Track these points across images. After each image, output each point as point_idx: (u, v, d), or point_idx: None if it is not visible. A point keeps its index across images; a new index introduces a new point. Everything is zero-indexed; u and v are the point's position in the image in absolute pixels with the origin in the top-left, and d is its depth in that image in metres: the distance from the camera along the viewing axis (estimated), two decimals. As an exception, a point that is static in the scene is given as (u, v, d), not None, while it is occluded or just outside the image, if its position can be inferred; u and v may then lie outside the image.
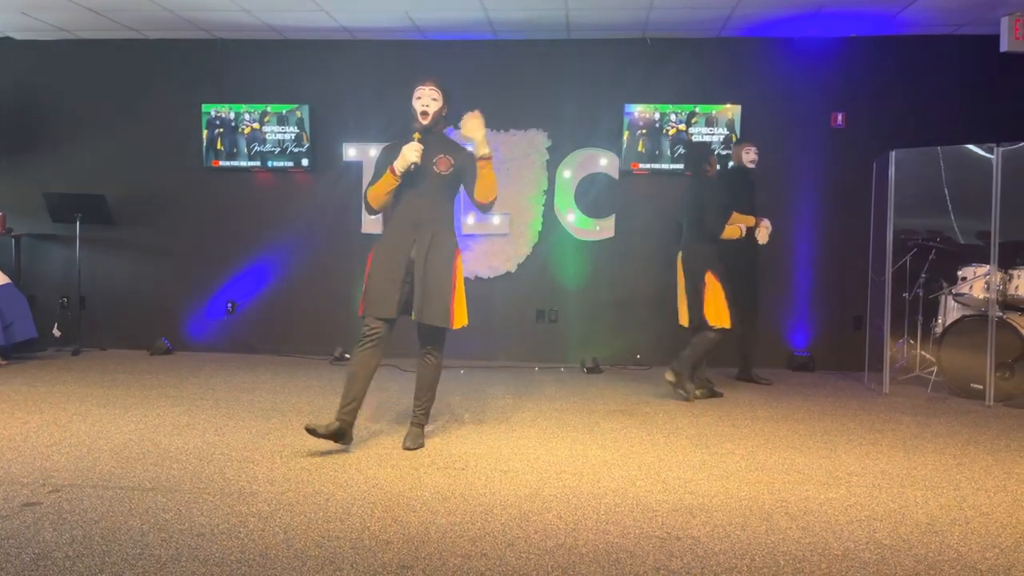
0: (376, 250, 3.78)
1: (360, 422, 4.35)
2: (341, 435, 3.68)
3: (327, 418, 3.91)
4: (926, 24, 6.20)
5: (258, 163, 6.90)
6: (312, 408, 4.73)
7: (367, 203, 3.75)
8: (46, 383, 5.39)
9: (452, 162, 3.72)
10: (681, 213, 5.32)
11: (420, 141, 3.61)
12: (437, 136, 3.75)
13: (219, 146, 6.91)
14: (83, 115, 7.11)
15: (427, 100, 3.67)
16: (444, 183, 3.74)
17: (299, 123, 6.83)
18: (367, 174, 6.80)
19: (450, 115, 3.85)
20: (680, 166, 6.49)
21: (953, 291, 5.60)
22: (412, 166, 3.59)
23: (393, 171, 3.61)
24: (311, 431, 3.60)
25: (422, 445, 3.82)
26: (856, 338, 6.40)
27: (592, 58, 6.71)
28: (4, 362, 6.10)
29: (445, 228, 3.78)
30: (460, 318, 3.76)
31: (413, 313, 3.68)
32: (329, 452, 3.72)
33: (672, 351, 6.60)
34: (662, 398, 5.24)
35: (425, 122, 3.66)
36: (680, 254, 5.20)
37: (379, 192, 3.70)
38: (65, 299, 7.14)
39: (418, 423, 3.89)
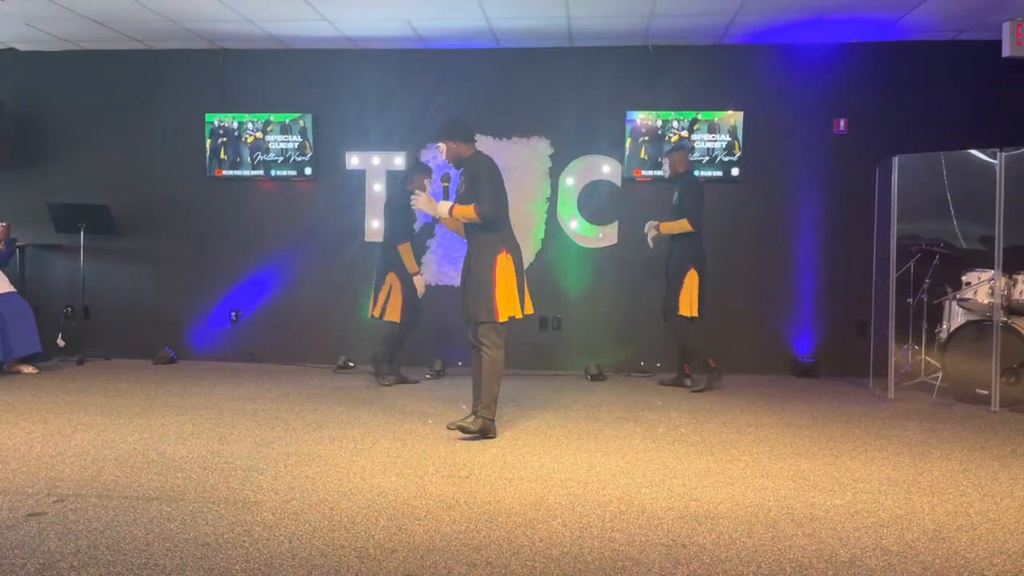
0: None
1: (362, 429, 4.35)
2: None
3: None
4: (927, 29, 6.20)
5: (261, 172, 6.92)
6: (317, 417, 4.72)
7: None
8: (50, 393, 5.39)
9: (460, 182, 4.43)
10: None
11: (443, 179, 4.50)
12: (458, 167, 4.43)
13: (223, 155, 6.94)
14: (87, 125, 7.14)
15: (440, 155, 4.42)
16: (465, 198, 4.28)
17: (302, 132, 6.85)
18: (369, 182, 6.87)
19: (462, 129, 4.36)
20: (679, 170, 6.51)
21: (957, 296, 5.59)
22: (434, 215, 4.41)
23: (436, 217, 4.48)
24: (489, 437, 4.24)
25: (468, 430, 4.17)
26: (860, 344, 6.39)
27: (594, 66, 6.73)
28: (35, 371, 6.14)
29: (481, 235, 4.26)
30: (504, 311, 4.16)
31: (461, 313, 4.30)
32: (333, 461, 3.72)
33: (673, 357, 6.62)
34: (666, 405, 5.23)
35: (451, 165, 4.42)
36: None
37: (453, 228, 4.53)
38: (69, 309, 7.16)
39: (474, 411, 4.28)
